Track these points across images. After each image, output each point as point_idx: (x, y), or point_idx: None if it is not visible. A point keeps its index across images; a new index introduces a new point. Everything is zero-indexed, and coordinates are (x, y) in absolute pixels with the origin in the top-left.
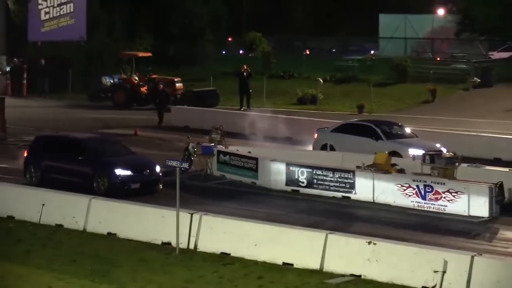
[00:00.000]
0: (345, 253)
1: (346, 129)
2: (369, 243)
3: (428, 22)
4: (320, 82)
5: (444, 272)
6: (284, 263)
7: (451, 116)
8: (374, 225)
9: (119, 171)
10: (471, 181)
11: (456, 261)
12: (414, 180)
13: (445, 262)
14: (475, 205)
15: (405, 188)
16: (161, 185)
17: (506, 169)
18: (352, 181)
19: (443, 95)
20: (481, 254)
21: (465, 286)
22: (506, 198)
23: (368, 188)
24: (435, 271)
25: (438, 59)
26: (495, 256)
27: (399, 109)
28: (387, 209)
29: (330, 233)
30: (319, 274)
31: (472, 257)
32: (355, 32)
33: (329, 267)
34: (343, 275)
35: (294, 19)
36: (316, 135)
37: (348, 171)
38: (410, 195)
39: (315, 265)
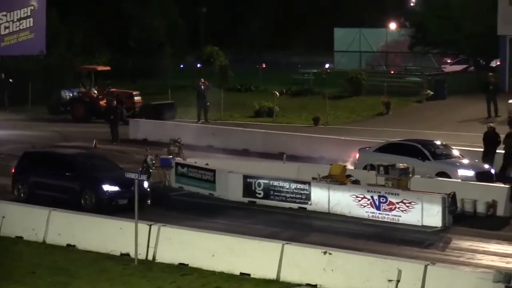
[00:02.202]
0: (301, 263)
1: (390, 149)
2: (325, 253)
3: (382, 36)
4: (277, 95)
5: (398, 281)
6: (241, 273)
7: (405, 128)
8: (329, 235)
9: (107, 187)
10: (424, 191)
11: (410, 270)
12: (368, 191)
13: (399, 271)
14: (429, 215)
15: (360, 198)
16: (149, 201)
17: (458, 180)
18: (308, 192)
19: (397, 108)
20: (434, 263)
21: None
22: (459, 208)
23: (324, 199)
24: (389, 280)
25: (392, 72)
26: (448, 265)
27: (354, 121)
28: (343, 219)
29: (286, 243)
30: (276, 284)
31: (426, 266)
32: (310, 46)
33: (286, 277)
34: (299, 285)
35: (251, 33)
36: (358, 155)
37: (304, 182)
38: (365, 206)
39: (272, 275)
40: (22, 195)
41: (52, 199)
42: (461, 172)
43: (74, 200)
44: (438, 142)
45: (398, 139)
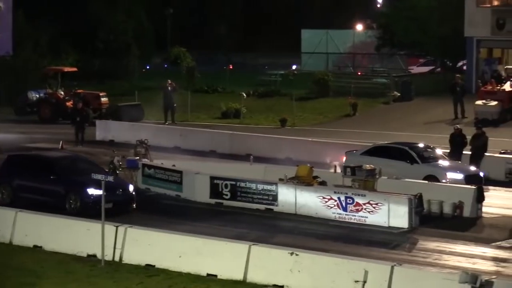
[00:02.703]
0: (268, 264)
1: (377, 152)
2: (292, 254)
3: (349, 37)
4: (244, 96)
5: (364, 282)
6: (208, 274)
7: (372, 129)
8: (296, 236)
9: (92, 191)
10: (391, 192)
11: (377, 271)
12: (335, 192)
13: (366, 272)
14: (395, 216)
15: (326, 200)
16: (134, 205)
17: (425, 181)
18: (275, 193)
19: (364, 109)
20: (400, 264)
21: None
22: (425, 209)
23: (291, 200)
24: (356, 281)
25: (359, 73)
26: (414, 266)
27: (320, 123)
28: (309, 220)
29: (253, 244)
30: (243, 285)
31: (392, 267)
32: (278, 47)
33: (253, 278)
34: (266, 286)
35: (219, 34)
36: (344, 158)
37: (271, 184)
38: (331, 207)
39: (239, 276)
40: (6, 198)
41: (36, 202)
42: (450, 175)
43: (58, 203)
44: (425, 145)
45: (386, 142)
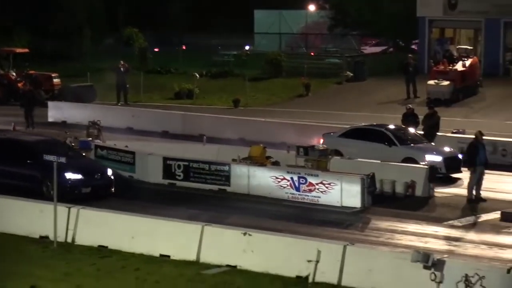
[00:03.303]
0: (221, 244)
1: (355, 134)
2: (244, 234)
3: (302, 18)
4: (197, 76)
5: (317, 261)
6: (161, 255)
7: (325, 110)
8: (249, 216)
9: (69, 175)
10: (343, 172)
11: (329, 250)
12: (288, 172)
13: (319, 252)
14: (348, 196)
15: (279, 180)
16: (113, 189)
17: (378, 161)
18: (227, 174)
19: (316, 89)
20: (353, 244)
21: (338, 275)
22: (378, 189)
23: (244, 181)
24: (309, 261)
25: (312, 54)
26: (367, 245)
27: (274, 103)
28: (263, 201)
29: (206, 225)
30: (196, 266)
31: (345, 246)
32: (231, 28)
33: (206, 258)
34: (219, 266)
35: (171, 14)
36: (321, 141)
37: (223, 164)
38: (284, 187)
39: (192, 257)
40: None
41: (12, 187)
42: (429, 157)
43: (35, 188)
44: (400, 127)
45: (363, 124)
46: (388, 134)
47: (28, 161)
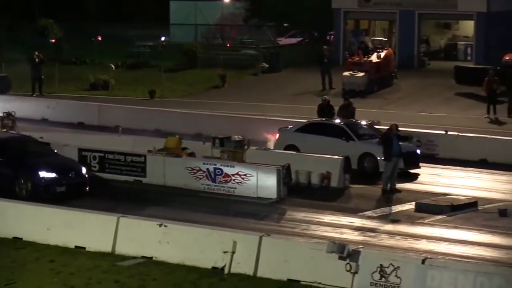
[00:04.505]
0: (137, 235)
1: (312, 129)
2: (160, 225)
3: (218, 9)
4: (112, 68)
5: (233, 252)
6: (76, 247)
7: (241, 101)
8: (165, 208)
9: (43, 174)
10: (259, 163)
11: (245, 241)
12: (204, 163)
13: (235, 243)
14: (264, 187)
15: (195, 171)
16: (87, 188)
17: (293, 152)
18: (143, 165)
19: (233, 80)
20: (269, 235)
21: (253, 265)
22: (293, 180)
23: (160, 172)
24: (225, 252)
25: (228, 45)
26: (282, 236)
27: (190, 94)
28: (179, 192)
29: (121, 216)
30: (111, 257)
31: (261, 237)
32: (147, 19)
33: (121, 249)
34: (134, 258)
35: (87, 5)
36: (277, 135)
37: (139, 155)
38: (200, 178)
39: (107, 248)
40: None
41: None
42: None
43: (7, 187)
44: (362, 122)
45: (320, 119)
46: (346, 129)
47: (0, 159)
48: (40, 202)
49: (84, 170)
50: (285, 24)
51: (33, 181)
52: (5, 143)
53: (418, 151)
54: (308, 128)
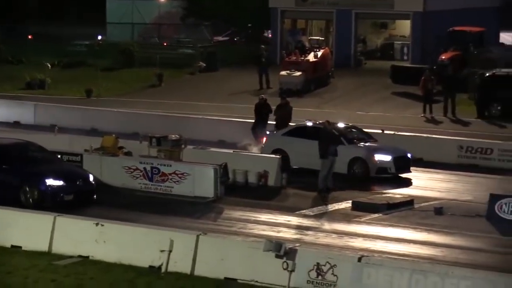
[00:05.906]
0: (73, 235)
1: (300, 132)
2: (97, 224)
3: (154, 8)
4: (48, 66)
5: (170, 251)
6: (12, 246)
7: (178, 100)
8: (102, 207)
9: (50, 181)
10: (196, 162)
11: (182, 240)
12: (141, 163)
13: (172, 242)
14: (201, 186)
15: (132, 170)
16: (95, 196)
17: (230, 151)
18: (80, 164)
19: (170, 79)
20: (206, 233)
21: (191, 264)
22: (230, 179)
23: (96, 171)
24: (162, 251)
25: (165, 44)
26: (219, 235)
27: (126, 93)
28: (116, 191)
29: (58, 215)
30: (48, 256)
31: (198, 236)
32: (83, 17)
33: (58, 248)
34: (71, 257)
35: (23, 3)
36: (265, 139)
37: (75, 154)
38: (137, 177)
39: (44, 247)
40: None
41: None
42: (378, 157)
43: (11, 196)
44: (349, 125)
45: (310, 123)
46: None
47: (3, 166)
48: (47, 211)
49: (91, 177)
50: (222, 23)
51: (40, 189)
52: (10, 150)
53: (409, 155)
54: (296, 132)
